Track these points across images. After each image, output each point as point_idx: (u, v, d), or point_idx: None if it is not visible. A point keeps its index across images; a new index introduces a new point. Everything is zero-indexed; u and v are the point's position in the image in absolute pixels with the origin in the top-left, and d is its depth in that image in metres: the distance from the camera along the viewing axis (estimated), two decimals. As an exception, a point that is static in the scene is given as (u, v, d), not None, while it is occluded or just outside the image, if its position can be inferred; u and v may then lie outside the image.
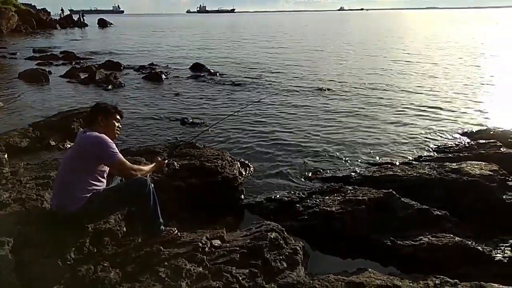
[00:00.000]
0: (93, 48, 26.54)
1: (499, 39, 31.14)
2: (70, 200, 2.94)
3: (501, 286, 2.94)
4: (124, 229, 3.49)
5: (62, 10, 67.76)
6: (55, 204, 3.07)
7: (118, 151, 3.07)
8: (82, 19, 62.24)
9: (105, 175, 3.16)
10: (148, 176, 3.40)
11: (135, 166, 3.24)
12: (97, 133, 3.05)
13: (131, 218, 3.51)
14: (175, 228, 3.35)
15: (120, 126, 3.36)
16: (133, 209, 3.36)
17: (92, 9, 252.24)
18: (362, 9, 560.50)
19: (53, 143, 6.73)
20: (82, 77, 14.04)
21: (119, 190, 3.18)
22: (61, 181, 3.06)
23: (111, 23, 64.74)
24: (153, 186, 3.23)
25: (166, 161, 3.64)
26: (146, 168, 3.37)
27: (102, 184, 3.13)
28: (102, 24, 62.15)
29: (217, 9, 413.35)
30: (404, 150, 6.81)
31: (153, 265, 2.96)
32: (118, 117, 3.33)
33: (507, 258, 3.52)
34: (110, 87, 12.62)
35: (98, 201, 3.02)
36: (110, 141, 3.06)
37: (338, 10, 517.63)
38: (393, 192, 4.29)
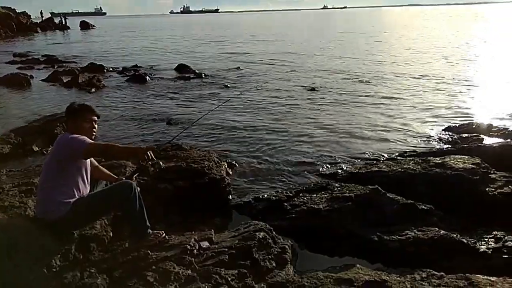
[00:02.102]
0: (76, 51, 26.20)
1: (481, 35, 31.68)
2: (54, 207, 2.89)
3: (485, 277, 2.99)
4: (111, 234, 3.45)
5: (41, 12, 66.53)
6: (39, 211, 3.03)
7: (81, 137, 2.98)
8: (64, 21, 61.25)
9: (86, 179, 3.10)
10: (134, 180, 3.36)
11: (108, 144, 3.25)
12: (71, 134, 3.00)
13: (117, 223, 3.48)
14: (163, 231, 3.32)
15: (96, 126, 3.25)
16: (119, 214, 3.31)
17: (74, 11, 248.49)
18: (345, 7, 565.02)
19: (36, 148, 6.62)
20: (65, 81, 13.84)
21: (104, 194, 3.14)
22: (43, 187, 3.00)
23: (93, 25, 64.05)
24: (139, 189, 3.19)
25: (151, 156, 3.21)
26: (121, 147, 3.25)
27: (84, 189, 3.08)
28: (84, 26, 61.45)
29: (201, 9, 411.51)
30: (388, 146, 6.88)
31: (141, 269, 2.92)
32: (91, 117, 3.20)
33: (491, 250, 3.58)
34: (93, 90, 12.47)
35: (83, 206, 2.98)
36: (82, 136, 3.00)
37: (322, 8, 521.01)
38: (379, 188, 4.34)
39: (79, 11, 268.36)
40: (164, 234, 3.30)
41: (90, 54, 24.00)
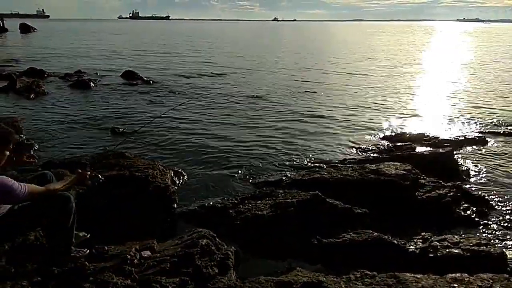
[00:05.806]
0: (14, 54, 24.65)
1: (418, 49, 33.95)
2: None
3: (412, 275, 3.22)
4: (47, 246, 3.31)
5: (-25, 13, 61.78)
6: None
7: (18, 185, 2.69)
8: (1, 23, 57.31)
9: None
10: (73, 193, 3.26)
11: (49, 188, 2.95)
12: None
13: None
14: (86, 249, 3.22)
15: (6, 154, 2.83)
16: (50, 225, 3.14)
17: (13, 13, 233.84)
18: (294, 20, 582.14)
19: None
20: (1, 86, 12.99)
21: (41, 206, 2.98)
22: None
23: (35, 28, 60.55)
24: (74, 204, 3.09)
25: (89, 172, 3.34)
26: (60, 185, 3.05)
27: None
28: (25, 29, 57.81)
29: (151, 15, 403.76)
30: (330, 154, 7.20)
31: (77, 280, 2.85)
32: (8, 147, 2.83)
33: (419, 249, 3.88)
34: (32, 95, 11.82)
35: (16, 217, 2.84)
36: (7, 179, 2.66)
37: (272, 20, 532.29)
38: (319, 193, 4.53)
39: (19, 13, 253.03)
40: (88, 251, 3.21)
41: (30, 58, 22.72)
